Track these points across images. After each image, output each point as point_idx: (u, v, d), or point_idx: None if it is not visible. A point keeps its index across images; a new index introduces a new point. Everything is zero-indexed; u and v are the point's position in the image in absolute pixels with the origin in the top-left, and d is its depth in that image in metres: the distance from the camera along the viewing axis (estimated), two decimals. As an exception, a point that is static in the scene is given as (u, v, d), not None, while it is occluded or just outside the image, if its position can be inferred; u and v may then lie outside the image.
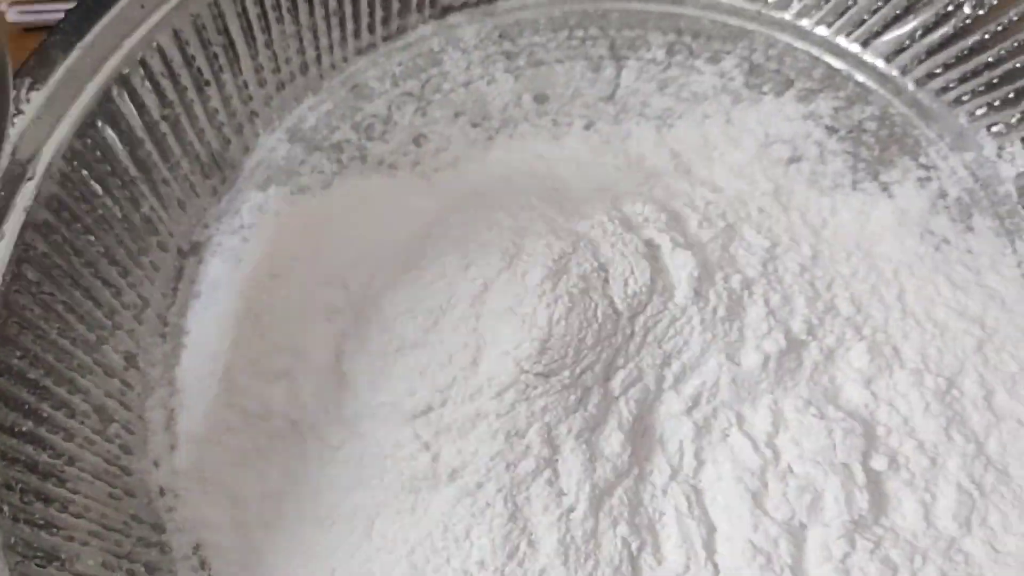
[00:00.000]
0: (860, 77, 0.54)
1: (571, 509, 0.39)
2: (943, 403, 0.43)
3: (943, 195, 0.50)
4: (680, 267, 0.42)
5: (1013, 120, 0.50)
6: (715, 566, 0.40)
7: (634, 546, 0.40)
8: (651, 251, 0.42)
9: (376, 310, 0.42)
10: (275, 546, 0.42)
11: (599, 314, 0.40)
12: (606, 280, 0.41)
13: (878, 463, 0.41)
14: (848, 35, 0.55)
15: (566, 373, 0.39)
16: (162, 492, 0.46)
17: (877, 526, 0.40)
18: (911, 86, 0.53)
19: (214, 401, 0.47)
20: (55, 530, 0.41)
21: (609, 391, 0.41)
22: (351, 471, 0.40)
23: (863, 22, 0.54)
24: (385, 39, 0.60)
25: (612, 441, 0.40)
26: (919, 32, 0.53)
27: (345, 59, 0.59)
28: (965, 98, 0.52)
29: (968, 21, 0.51)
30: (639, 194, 0.46)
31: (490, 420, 0.39)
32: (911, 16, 0.53)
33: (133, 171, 0.52)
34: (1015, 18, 0.49)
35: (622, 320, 0.40)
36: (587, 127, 0.54)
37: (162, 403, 0.49)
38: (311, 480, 0.42)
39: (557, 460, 0.39)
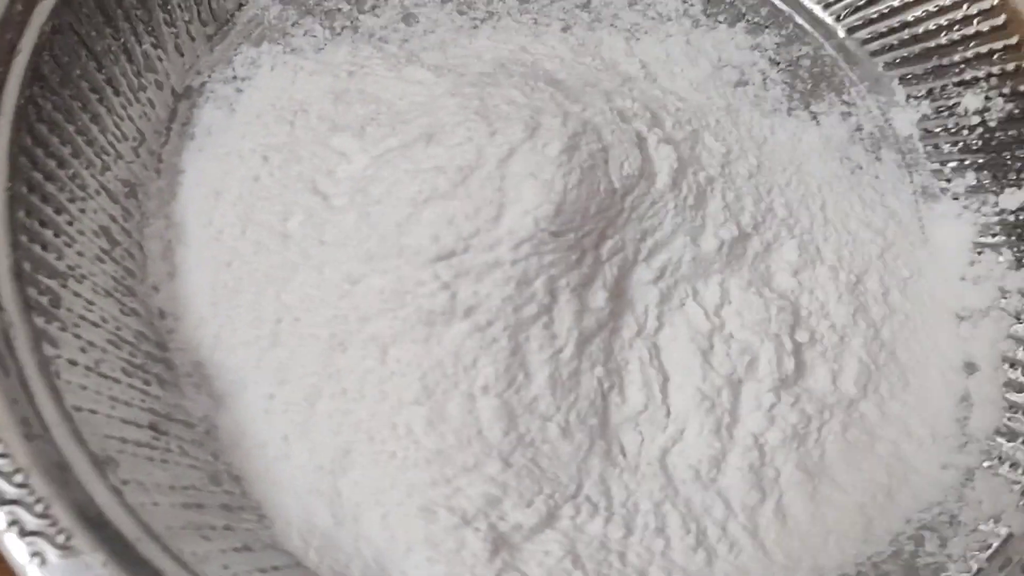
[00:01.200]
0: (799, 19, 0.63)
1: (560, 350, 0.46)
2: (852, 295, 0.52)
3: (859, 128, 0.60)
4: (663, 158, 0.49)
5: (921, 72, 0.59)
6: (668, 407, 0.48)
7: (606, 386, 0.47)
8: (640, 141, 0.49)
9: (402, 160, 0.46)
10: (282, 366, 0.47)
11: (601, 189, 0.46)
12: (607, 160, 0.47)
13: (801, 336, 0.50)
14: (793, -20, 0.64)
15: (571, 235, 0.45)
16: (162, 315, 0.49)
17: (796, 386, 0.50)
18: (841, 33, 0.62)
19: (220, 232, 0.50)
20: (78, 334, 0.44)
21: (599, 255, 0.47)
22: (370, 303, 0.45)
23: (807, -29, 0.63)
24: (377, -83, 0.62)
25: (598, 297, 0.47)
26: (854, -14, 0.61)
27: (337, -70, 0.62)
28: (884, 49, 0.61)
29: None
30: (624, 94, 0.53)
31: (505, 268, 0.44)
32: (849, -28, 0.61)
33: (138, 10, 0.53)
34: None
35: (616, 196, 0.47)
36: (564, 30, 0.60)
37: (159, 234, 0.51)
38: (327, 308, 0.46)
39: (554, 308, 0.46)
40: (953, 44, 0.57)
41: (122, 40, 0.52)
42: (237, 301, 0.49)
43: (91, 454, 0.39)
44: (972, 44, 0.56)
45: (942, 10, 0.57)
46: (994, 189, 0.55)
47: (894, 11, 0.60)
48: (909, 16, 0.59)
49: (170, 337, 0.49)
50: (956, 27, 0.57)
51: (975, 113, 0.56)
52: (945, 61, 0.58)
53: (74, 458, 0.39)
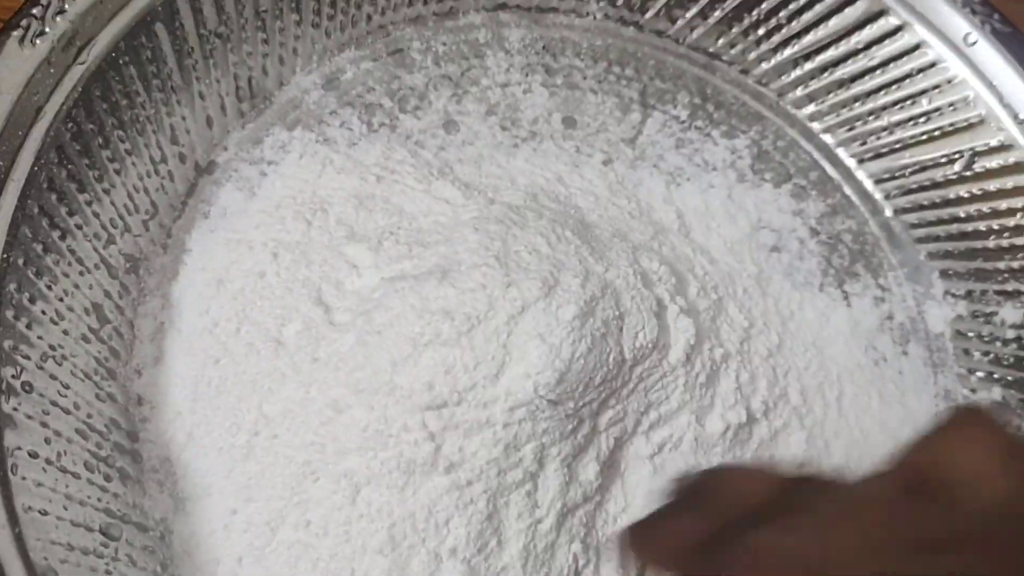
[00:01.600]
0: (848, 189, 0.61)
1: (539, 521, 0.44)
2: (855, 501, 0.50)
3: (890, 317, 0.57)
4: (681, 331, 0.47)
5: (963, 271, 0.57)
6: (642, 597, 0.46)
7: (581, 563, 0.45)
8: (660, 309, 0.47)
9: (412, 293, 0.44)
10: (251, 482, 0.45)
11: (610, 359, 0.44)
12: (621, 329, 0.45)
13: (794, 540, 0.48)
14: (847, 149, 0.61)
15: (571, 404, 0.43)
16: (140, 401, 0.48)
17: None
18: (888, 211, 0.60)
19: (215, 323, 0.48)
20: (46, 422, 0.42)
21: (597, 425, 0.45)
22: (350, 436, 0.43)
23: (865, 143, 0.61)
24: (436, 15, 0.61)
25: (588, 470, 0.45)
26: (909, 169, 0.59)
27: (393, 23, 0.60)
28: (930, 238, 0.59)
29: (951, 176, 0.57)
30: (652, 250, 0.51)
31: (496, 429, 0.42)
32: (906, 152, 0.59)
33: (176, 78, 0.52)
34: (975, 191, 0.56)
35: (625, 367, 0.45)
36: (605, 163, 0.58)
37: (153, 314, 0.50)
38: (307, 431, 0.44)
39: (540, 476, 0.44)
40: (1001, 251, 0.55)
41: (154, 110, 0.51)
42: (218, 402, 0.47)
43: (30, 566, 0.37)
44: (1021, 255, 0.54)
45: (997, 213, 0.55)
46: (1020, 411, 0.53)
47: (947, 202, 0.57)
48: (961, 211, 0.57)
49: (143, 427, 0.47)
50: (1007, 234, 0.55)
51: (1012, 327, 0.54)
52: (989, 266, 0.55)
53: (11, 569, 0.37)
